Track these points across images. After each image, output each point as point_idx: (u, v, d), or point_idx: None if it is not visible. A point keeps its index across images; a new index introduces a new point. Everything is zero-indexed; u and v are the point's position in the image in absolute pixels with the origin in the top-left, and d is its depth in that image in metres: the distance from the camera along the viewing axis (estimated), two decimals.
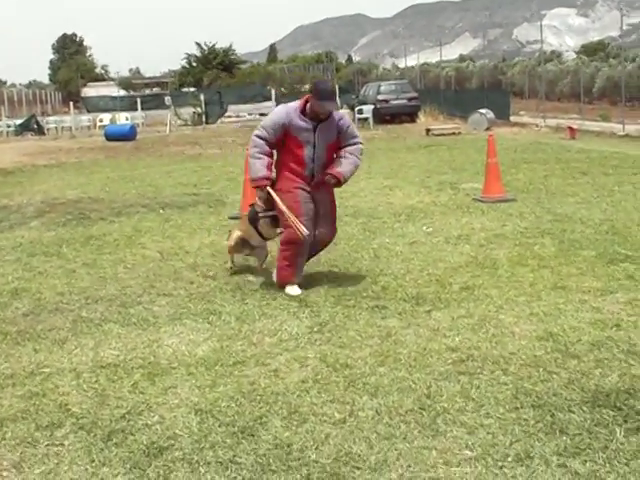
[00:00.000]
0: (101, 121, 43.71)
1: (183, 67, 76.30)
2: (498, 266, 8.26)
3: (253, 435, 4.56)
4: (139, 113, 45.00)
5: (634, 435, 4.34)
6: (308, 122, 7.52)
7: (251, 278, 8.24)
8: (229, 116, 46.29)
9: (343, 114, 8.01)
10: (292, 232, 7.56)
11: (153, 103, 50.28)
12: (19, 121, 43.65)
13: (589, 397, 4.86)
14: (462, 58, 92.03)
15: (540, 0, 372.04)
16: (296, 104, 7.66)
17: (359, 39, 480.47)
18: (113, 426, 4.77)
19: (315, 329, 6.46)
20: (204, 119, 42.90)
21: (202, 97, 44.35)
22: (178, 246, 10.08)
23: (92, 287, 8.21)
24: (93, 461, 4.35)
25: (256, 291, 7.75)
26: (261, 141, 7.55)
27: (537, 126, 30.97)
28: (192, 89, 59.40)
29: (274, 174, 7.66)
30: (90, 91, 79.90)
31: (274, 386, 5.29)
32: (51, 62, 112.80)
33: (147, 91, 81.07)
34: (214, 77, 68.96)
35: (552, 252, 8.76)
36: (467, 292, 7.35)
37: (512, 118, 34.59)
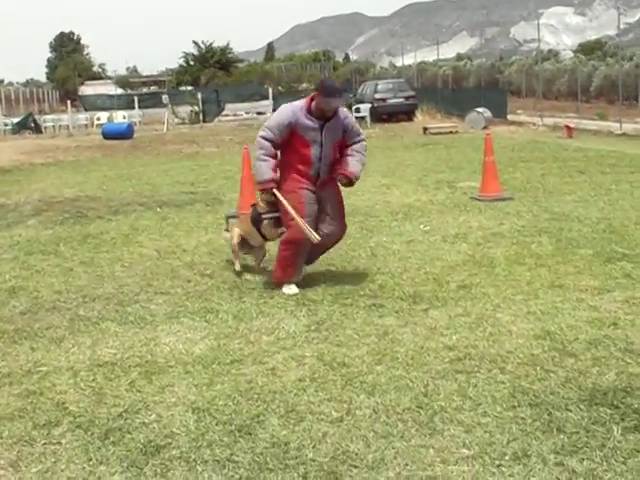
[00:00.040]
0: (98, 119, 43.68)
1: (180, 66, 76.14)
2: (495, 265, 8.26)
3: (250, 434, 4.56)
4: (136, 112, 44.98)
5: (631, 433, 4.34)
6: (315, 121, 7.45)
7: (248, 277, 8.23)
8: (226, 115, 46.28)
9: (347, 112, 7.98)
10: (293, 232, 7.54)
11: (150, 102, 50.17)
12: (16, 119, 43.62)
13: (586, 395, 4.86)
14: (459, 57, 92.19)
15: None
16: (301, 103, 7.59)
17: (356, 38, 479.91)
18: (110, 424, 4.77)
19: (312, 327, 6.46)
20: (201, 118, 42.87)
21: (199, 96, 44.30)
22: (175, 244, 10.08)
23: (89, 285, 8.20)
24: (90, 460, 4.35)
25: (253, 289, 7.75)
26: (267, 143, 7.46)
27: (534, 125, 31.00)
28: (189, 88, 59.28)
29: (278, 175, 7.64)
30: (87, 89, 79.80)
31: (271, 384, 5.29)
32: (48, 60, 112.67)
33: (144, 90, 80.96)
34: (211, 76, 68.88)
35: (549, 251, 8.76)
36: (464, 291, 7.35)
37: (509, 117, 34.64)
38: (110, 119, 42.85)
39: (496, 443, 4.30)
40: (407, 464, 4.13)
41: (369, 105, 35.60)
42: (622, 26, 40.80)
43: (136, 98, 48.04)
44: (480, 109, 31.23)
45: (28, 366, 5.87)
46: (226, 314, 6.92)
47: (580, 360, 5.47)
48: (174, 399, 5.12)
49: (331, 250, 8.37)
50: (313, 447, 4.36)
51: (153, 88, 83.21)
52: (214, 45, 72.88)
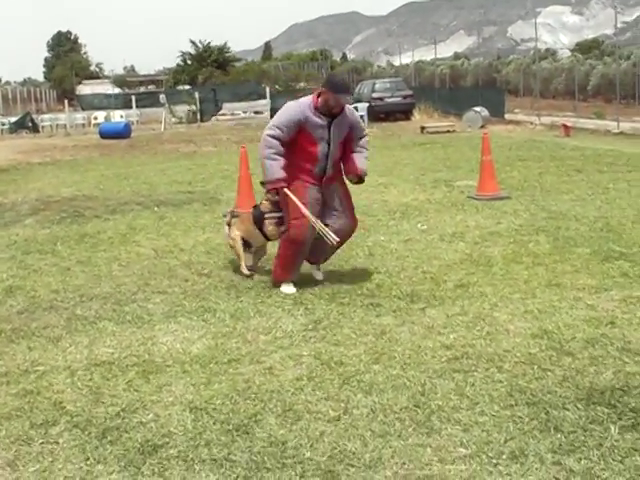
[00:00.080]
0: (96, 119, 43.71)
1: (178, 65, 76.01)
2: (492, 264, 8.26)
3: (248, 433, 4.56)
4: (134, 111, 44.93)
5: (628, 432, 4.34)
6: (323, 118, 7.37)
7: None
8: (224, 114, 46.23)
9: (352, 108, 7.89)
10: (295, 231, 7.53)
11: (148, 101, 50.14)
12: (14, 119, 43.64)
13: (583, 394, 4.86)
14: (457, 56, 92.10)
15: None
16: (308, 100, 7.49)
17: (354, 37, 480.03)
18: (108, 424, 4.77)
19: (310, 327, 6.46)
20: (199, 117, 42.85)
21: (197, 95, 44.29)
22: (173, 244, 10.08)
23: (86, 285, 8.20)
24: (88, 459, 4.34)
25: (251, 289, 7.75)
26: (275, 141, 7.33)
27: (532, 124, 31.00)
28: (187, 87, 59.20)
29: None
30: (85, 89, 79.72)
31: (269, 384, 5.29)
32: (46, 60, 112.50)
33: (142, 89, 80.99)
34: (209, 75, 68.78)
35: (547, 249, 8.77)
36: (462, 290, 7.36)
37: (507, 116, 34.65)
38: (107, 118, 42.89)
39: (493, 442, 4.30)
40: (404, 463, 4.13)
41: (366, 104, 35.58)
42: (619, 25, 40.78)
43: (133, 97, 48.02)
44: (477, 108, 31.25)
45: (25, 365, 5.87)
46: (223, 313, 6.92)
47: (577, 359, 5.47)
48: (171, 398, 5.12)
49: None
50: (310, 446, 4.36)
51: (150, 87, 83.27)
52: (211, 44, 72.79)
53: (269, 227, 7.93)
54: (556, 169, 16.00)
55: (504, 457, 4.14)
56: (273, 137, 7.34)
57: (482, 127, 28.31)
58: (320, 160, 7.48)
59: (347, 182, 7.91)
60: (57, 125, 43.62)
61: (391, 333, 6.20)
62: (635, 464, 4.00)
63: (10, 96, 62.79)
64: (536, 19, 48.06)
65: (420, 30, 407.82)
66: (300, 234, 7.51)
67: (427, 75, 64.08)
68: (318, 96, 7.43)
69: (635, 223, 9.91)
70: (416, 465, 4.11)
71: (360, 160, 7.68)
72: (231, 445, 4.42)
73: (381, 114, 36.28)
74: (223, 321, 6.72)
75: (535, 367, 5.35)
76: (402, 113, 37.38)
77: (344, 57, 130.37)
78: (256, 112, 45.32)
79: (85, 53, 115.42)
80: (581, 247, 8.76)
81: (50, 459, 4.37)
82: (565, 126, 25.70)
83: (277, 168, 7.32)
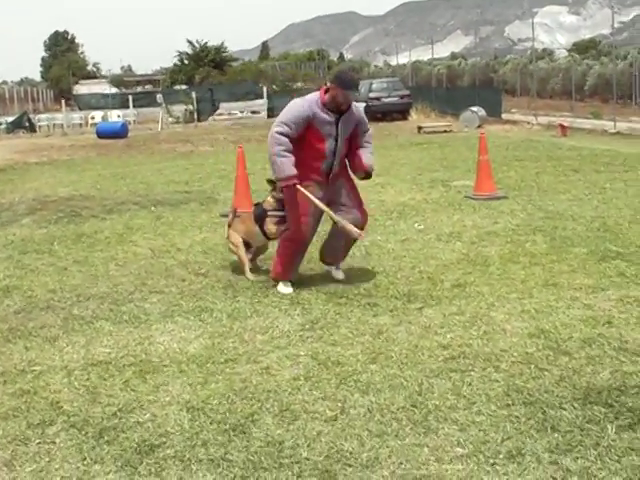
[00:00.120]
0: (93, 119, 43.69)
1: (175, 65, 75.94)
2: (489, 263, 8.26)
3: (245, 433, 4.56)
4: (131, 111, 44.93)
5: (625, 432, 4.34)
6: (331, 115, 7.33)
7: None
8: (221, 114, 46.22)
9: (357, 104, 7.81)
10: (296, 230, 7.53)
11: (145, 101, 50.09)
12: (11, 119, 43.63)
13: (580, 394, 4.86)
14: (454, 56, 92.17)
15: None
16: (315, 96, 7.43)
17: (351, 37, 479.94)
18: (104, 424, 4.77)
19: (307, 326, 6.46)
20: (196, 117, 42.84)
21: (194, 95, 44.27)
22: (170, 244, 10.07)
23: (83, 285, 8.19)
24: (84, 459, 4.34)
25: (248, 288, 7.74)
26: (285, 138, 7.24)
27: (529, 124, 31.00)
28: (184, 87, 59.20)
29: None
30: (82, 89, 79.75)
31: (265, 383, 5.29)
32: (43, 59, 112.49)
33: (139, 89, 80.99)
34: (206, 75, 68.71)
35: (543, 249, 8.77)
36: (458, 289, 7.36)
37: (504, 116, 34.61)
38: (104, 118, 42.85)
39: (490, 442, 4.30)
40: (401, 463, 4.13)
41: (364, 104, 35.54)
42: (616, 25, 40.88)
43: (130, 97, 48.01)
44: (474, 108, 31.24)
45: (22, 365, 5.87)
46: (220, 313, 6.92)
47: (574, 359, 5.48)
48: (168, 398, 5.12)
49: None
50: (307, 446, 4.36)
51: (147, 87, 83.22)
52: (209, 44, 72.73)
53: (270, 225, 7.92)
54: (553, 169, 16.00)
55: (501, 457, 4.14)
56: (282, 134, 7.25)
57: (479, 127, 28.30)
58: (328, 157, 7.45)
59: (354, 177, 7.90)
60: (54, 125, 43.60)
61: (388, 333, 6.20)
62: (632, 463, 4.00)
63: (7, 96, 62.76)
64: (533, 19, 48.24)
65: (417, 30, 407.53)
66: (300, 234, 7.52)
67: (424, 75, 64.10)
68: (325, 92, 7.39)
69: (632, 223, 9.91)
70: (413, 465, 4.11)
71: (366, 156, 7.67)
72: (228, 445, 4.42)
73: (378, 114, 36.22)
74: (220, 321, 6.72)
75: (532, 367, 5.36)
76: (399, 113, 37.38)
77: (341, 57, 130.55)
78: (253, 112, 45.34)
79: (82, 53, 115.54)
80: (578, 247, 8.76)
81: (47, 459, 4.37)
82: (562, 126, 25.70)
83: (289, 165, 7.24)
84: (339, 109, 7.37)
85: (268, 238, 8.12)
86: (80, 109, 52.97)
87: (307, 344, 6.04)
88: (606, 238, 9.10)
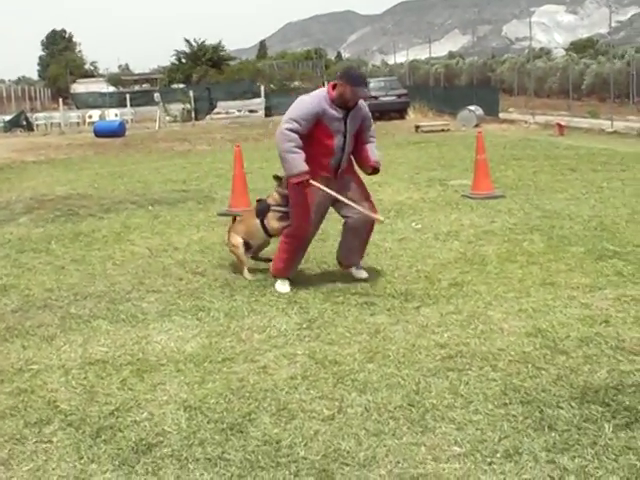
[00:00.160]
0: (90, 117, 43.67)
1: (172, 64, 75.92)
2: (487, 262, 8.27)
3: (242, 432, 4.56)
4: (128, 109, 44.91)
5: (622, 431, 4.35)
6: (339, 111, 7.30)
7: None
8: (218, 113, 46.23)
9: (362, 101, 7.75)
10: (299, 227, 7.53)
11: (142, 99, 50.07)
12: (8, 117, 43.55)
13: (578, 393, 4.86)
14: (451, 55, 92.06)
15: None
16: (323, 93, 7.38)
17: (348, 36, 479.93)
18: (102, 423, 4.77)
19: (304, 325, 6.46)
20: (193, 115, 42.83)
21: (191, 93, 44.27)
22: (167, 242, 10.07)
23: (81, 283, 8.19)
24: (82, 458, 4.34)
25: (245, 287, 7.74)
26: (295, 135, 7.17)
27: (526, 123, 31.01)
28: (181, 85, 59.18)
29: None
30: (79, 87, 79.68)
31: (263, 383, 5.29)
32: (40, 58, 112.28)
33: (136, 87, 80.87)
34: (203, 73, 68.72)
35: (541, 248, 8.77)
36: (456, 288, 7.36)
37: (501, 115, 34.63)
38: (102, 117, 42.84)
39: (487, 441, 4.31)
40: (398, 462, 4.13)
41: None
42: (613, 24, 40.88)
43: (128, 96, 47.92)
44: (472, 107, 31.25)
45: (19, 364, 5.86)
46: (218, 312, 6.92)
47: (571, 358, 5.48)
48: (166, 397, 5.12)
49: (322, 248, 8.35)
50: (304, 445, 4.36)
51: (145, 86, 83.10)
52: (206, 43, 72.73)
53: (272, 221, 7.91)
54: (550, 168, 16.00)
55: (498, 455, 4.14)
56: (292, 130, 7.19)
57: (476, 126, 28.30)
58: (336, 153, 7.43)
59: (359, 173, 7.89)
60: (51, 124, 43.56)
61: (385, 332, 6.20)
62: (629, 462, 4.01)
63: (4, 94, 62.65)
64: (530, 18, 48.19)
65: (415, 29, 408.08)
66: (303, 231, 7.52)
67: (422, 74, 64.04)
68: (333, 88, 7.35)
69: (629, 222, 9.92)
70: (410, 464, 4.11)
71: (372, 151, 7.70)
72: (225, 444, 4.42)
73: (375, 113, 35.67)
74: (217, 320, 6.72)
75: (529, 366, 5.36)
76: (396, 112, 37.34)
77: (339, 56, 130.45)
78: (251, 111, 45.38)
79: (80, 51, 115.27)
80: (575, 246, 8.77)
81: (44, 458, 4.36)
82: (559, 125, 25.71)
83: (300, 161, 7.18)
84: (347, 105, 7.35)
85: (269, 235, 8.10)
86: (78, 108, 53.03)
87: (304, 343, 6.04)
88: (603, 237, 9.11)
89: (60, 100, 47.19)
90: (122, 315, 6.97)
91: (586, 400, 4.75)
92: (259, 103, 45.84)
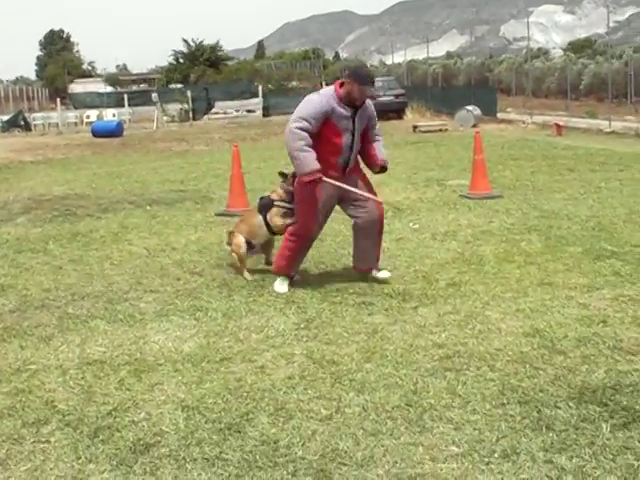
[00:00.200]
0: (88, 117, 43.72)
1: (170, 64, 75.90)
2: (484, 262, 8.27)
3: (239, 432, 4.56)
4: (126, 109, 44.93)
5: (620, 431, 4.35)
6: (347, 109, 7.29)
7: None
8: (216, 113, 46.22)
9: (368, 100, 7.73)
10: (303, 225, 7.53)
11: (140, 99, 50.14)
12: (6, 117, 43.55)
13: (575, 393, 4.87)
14: (449, 55, 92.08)
15: None
16: (331, 91, 7.37)
17: (346, 36, 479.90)
18: (99, 423, 4.76)
19: (302, 325, 6.46)
20: (191, 115, 42.83)
21: (189, 94, 44.29)
22: (165, 243, 10.07)
23: (78, 284, 8.18)
24: (79, 458, 4.34)
25: (243, 287, 7.74)
26: (305, 133, 7.15)
27: (524, 123, 31.04)
28: (179, 85, 59.20)
29: None
30: (77, 87, 79.61)
31: (260, 382, 5.29)
32: (38, 58, 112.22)
33: (134, 87, 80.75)
34: (201, 73, 68.69)
35: (538, 248, 8.78)
36: (453, 288, 7.36)
37: (499, 115, 34.68)
38: (100, 117, 42.85)
39: (485, 441, 4.31)
40: (396, 462, 4.13)
41: None
42: (611, 24, 40.85)
43: (126, 96, 47.97)
44: (470, 107, 31.27)
45: (17, 364, 5.86)
46: (215, 312, 6.92)
47: (569, 358, 5.48)
48: (163, 397, 5.12)
49: (319, 248, 8.35)
50: (302, 445, 4.36)
51: (143, 86, 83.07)
52: (204, 43, 72.71)
53: (275, 217, 7.88)
54: (548, 168, 16.02)
55: (496, 455, 4.14)
56: (302, 129, 7.16)
57: (474, 126, 28.33)
58: (344, 151, 7.43)
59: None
60: (49, 124, 43.59)
61: (383, 332, 6.20)
62: (627, 462, 4.01)
63: (2, 94, 62.69)
64: (528, 18, 48.19)
65: (413, 29, 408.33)
66: (307, 229, 7.52)
67: (419, 74, 64.08)
68: (340, 87, 7.34)
69: (627, 222, 9.93)
70: (408, 464, 4.11)
71: (380, 150, 7.73)
72: (223, 444, 4.42)
73: None
74: (215, 320, 6.71)
75: (527, 366, 5.36)
76: (394, 112, 37.31)
77: (337, 56, 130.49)
78: (248, 111, 45.36)
79: (77, 51, 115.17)
80: (573, 246, 8.77)
81: (42, 458, 4.36)
82: (557, 125, 25.74)
83: (312, 159, 7.15)
84: (354, 104, 7.34)
85: (272, 233, 8.08)
86: (75, 108, 53.03)
87: (302, 343, 6.04)
88: (601, 237, 9.11)
89: (58, 100, 47.19)
90: (120, 315, 6.97)
91: (584, 400, 4.76)
92: (257, 103, 45.85)
